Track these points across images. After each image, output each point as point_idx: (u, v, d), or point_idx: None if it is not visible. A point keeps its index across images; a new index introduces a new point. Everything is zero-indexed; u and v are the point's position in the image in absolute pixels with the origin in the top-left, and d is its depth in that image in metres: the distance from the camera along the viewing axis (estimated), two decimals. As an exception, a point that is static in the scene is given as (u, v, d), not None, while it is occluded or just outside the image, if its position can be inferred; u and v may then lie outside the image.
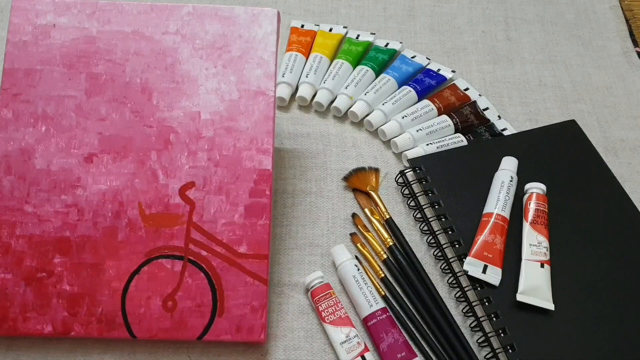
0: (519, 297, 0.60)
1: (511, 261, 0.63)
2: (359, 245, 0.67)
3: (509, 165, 0.69)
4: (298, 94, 0.78)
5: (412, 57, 0.83)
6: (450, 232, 0.66)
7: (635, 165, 0.77)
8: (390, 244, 0.66)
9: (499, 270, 0.62)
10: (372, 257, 0.66)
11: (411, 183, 0.70)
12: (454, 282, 0.64)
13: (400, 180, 0.71)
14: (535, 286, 0.61)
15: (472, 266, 0.62)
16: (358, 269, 0.63)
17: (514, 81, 0.85)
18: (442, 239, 0.66)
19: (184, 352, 0.59)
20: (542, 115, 0.81)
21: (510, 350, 0.58)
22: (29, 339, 0.59)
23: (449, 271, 0.65)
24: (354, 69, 0.81)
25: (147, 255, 0.58)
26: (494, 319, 0.60)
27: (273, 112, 0.62)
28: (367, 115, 0.77)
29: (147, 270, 0.58)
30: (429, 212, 0.68)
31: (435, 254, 0.67)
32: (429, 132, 0.74)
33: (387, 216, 0.68)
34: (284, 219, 0.69)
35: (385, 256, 0.66)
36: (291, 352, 0.60)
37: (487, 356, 0.60)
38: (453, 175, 0.70)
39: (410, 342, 0.60)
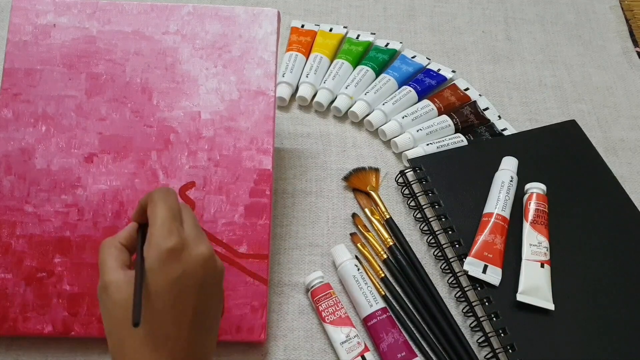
0: (519, 297, 0.60)
1: (511, 261, 0.63)
2: (359, 245, 0.67)
3: (509, 165, 0.69)
4: (298, 94, 0.78)
5: (413, 57, 0.83)
6: (450, 232, 0.66)
7: (635, 165, 0.77)
8: (391, 244, 0.66)
9: (499, 270, 0.62)
10: (372, 257, 0.66)
11: (411, 183, 0.70)
12: (454, 282, 0.64)
13: (401, 180, 0.71)
14: (535, 286, 0.61)
15: (472, 266, 0.62)
16: (358, 269, 0.63)
17: (514, 81, 0.85)
18: (442, 239, 0.66)
19: (184, 352, 0.59)
20: (542, 115, 0.81)
21: (510, 350, 0.58)
22: (29, 339, 0.59)
23: (449, 271, 0.65)
24: (354, 69, 0.81)
25: (147, 255, 0.58)
26: (494, 319, 0.60)
27: (273, 112, 0.62)
28: (367, 115, 0.77)
29: (147, 270, 0.58)
30: (429, 212, 0.68)
31: (435, 254, 0.67)
32: (429, 132, 0.74)
33: (387, 216, 0.68)
34: (284, 219, 0.69)
35: (385, 256, 0.66)
36: (291, 352, 0.60)
37: (487, 356, 0.60)
38: (453, 175, 0.70)
39: (410, 342, 0.60)
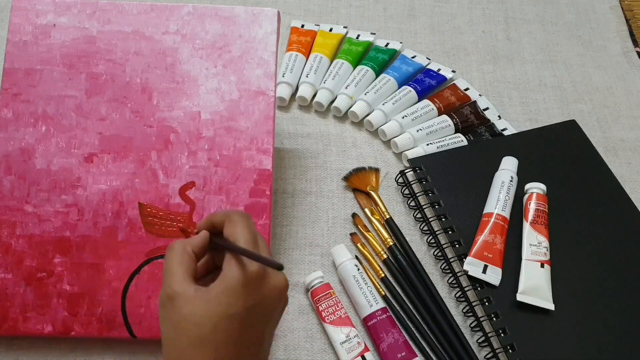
0: (519, 297, 0.60)
1: (511, 261, 0.63)
2: (359, 245, 0.67)
3: (509, 165, 0.69)
4: (298, 94, 0.78)
5: (412, 57, 0.83)
6: (450, 232, 0.66)
7: (635, 165, 0.77)
8: (391, 243, 0.66)
9: (499, 270, 0.62)
10: (372, 257, 0.66)
11: (411, 183, 0.70)
12: (454, 282, 0.64)
13: (401, 180, 0.71)
14: (535, 286, 0.61)
15: (472, 266, 0.62)
16: (358, 269, 0.63)
17: (514, 81, 0.85)
18: (442, 239, 0.66)
19: (184, 352, 0.59)
20: (542, 115, 0.81)
21: (510, 350, 0.58)
22: (29, 339, 0.59)
23: (449, 271, 0.65)
24: (354, 69, 0.81)
25: (147, 255, 0.58)
26: (494, 319, 0.60)
27: (273, 112, 0.62)
28: (367, 115, 0.77)
29: (148, 270, 0.58)
30: (429, 212, 0.68)
31: (435, 254, 0.67)
32: (429, 132, 0.74)
33: (387, 216, 0.68)
34: (284, 219, 0.69)
35: (385, 256, 0.66)
36: (291, 352, 0.60)
37: (487, 356, 0.60)
38: (453, 175, 0.70)
39: (410, 342, 0.60)
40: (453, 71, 0.83)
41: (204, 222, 0.45)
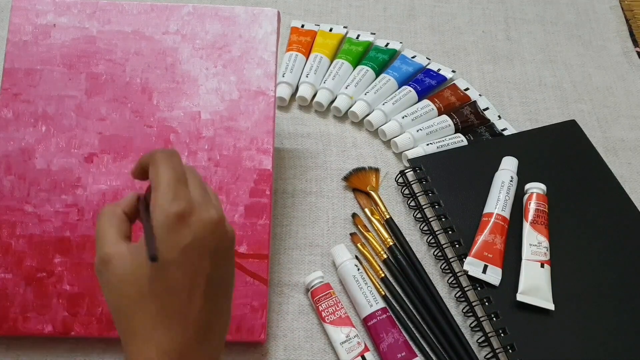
0: (519, 297, 0.60)
1: (511, 261, 0.63)
2: (359, 245, 0.67)
3: (509, 165, 0.69)
4: (298, 94, 0.78)
5: (413, 57, 0.83)
6: (450, 232, 0.66)
7: (635, 165, 0.77)
8: (391, 244, 0.66)
9: (499, 270, 0.62)
10: (372, 257, 0.66)
11: (411, 183, 0.70)
12: (454, 282, 0.64)
13: (401, 180, 0.71)
14: (535, 286, 0.61)
15: (472, 266, 0.62)
16: (358, 269, 0.63)
17: (514, 81, 0.85)
18: (442, 239, 0.66)
19: (184, 352, 0.59)
20: (542, 115, 0.81)
21: (510, 350, 0.58)
22: (29, 338, 0.59)
23: (449, 271, 0.65)
24: (354, 69, 0.81)
25: (147, 255, 0.58)
26: (494, 319, 0.60)
27: (273, 112, 0.62)
28: (367, 115, 0.77)
29: (147, 270, 0.58)
30: (429, 212, 0.68)
31: (435, 254, 0.67)
32: (429, 132, 0.74)
33: (387, 216, 0.68)
34: (284, 219, 0.69)
35: (385, 256, 0.66)
36: (291, 352, 0.60)
37: (487, 356, 0.60)
38: (453, 175, 0.70)
39: (410, 342, 0.60)
40: (453, 71, 0.83)
41: (135, 167, 0.42)
